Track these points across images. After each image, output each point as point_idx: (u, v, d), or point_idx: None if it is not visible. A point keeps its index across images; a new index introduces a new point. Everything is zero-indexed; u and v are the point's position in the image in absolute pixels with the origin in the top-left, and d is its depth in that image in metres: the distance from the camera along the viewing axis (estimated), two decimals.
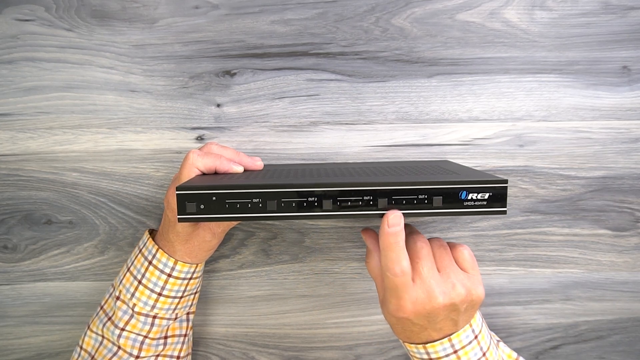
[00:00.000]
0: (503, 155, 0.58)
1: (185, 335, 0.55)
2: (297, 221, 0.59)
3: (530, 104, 0.57)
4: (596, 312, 0.60)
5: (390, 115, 0.57)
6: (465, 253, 0.47)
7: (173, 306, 0.51)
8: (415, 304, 0.43)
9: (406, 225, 0.46)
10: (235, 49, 0.56)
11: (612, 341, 0.61)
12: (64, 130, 0.57)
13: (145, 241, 0.52)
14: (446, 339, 0.45)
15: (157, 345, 0.52)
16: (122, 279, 0.52)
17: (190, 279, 0.51)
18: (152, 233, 0.53)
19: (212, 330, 0.61)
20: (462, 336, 0.46)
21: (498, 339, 0.53)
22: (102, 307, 0.53)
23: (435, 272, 0.44)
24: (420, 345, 0.46)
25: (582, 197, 0.58)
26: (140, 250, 0.52)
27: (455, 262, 0.46)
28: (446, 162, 0.55)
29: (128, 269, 0.52)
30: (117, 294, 0.52)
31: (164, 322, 0.52)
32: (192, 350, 0.61)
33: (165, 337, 0.52)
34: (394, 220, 0.42)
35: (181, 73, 0.56)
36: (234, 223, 0.54)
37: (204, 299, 0.60)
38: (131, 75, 0.56)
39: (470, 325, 0.46)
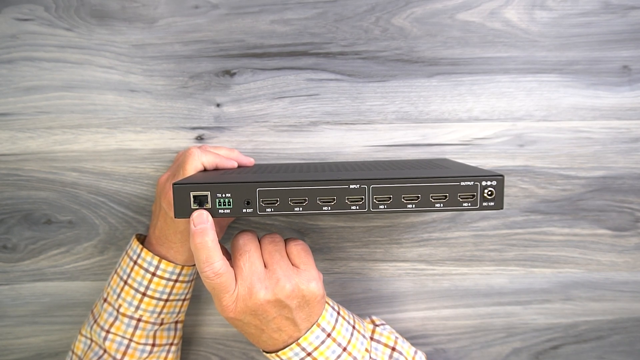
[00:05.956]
0: (503, 155, 0.58)
1: (172, 344, 0.54)
2: (297, 221, 0.59)
3: (530, 104, 0.57)
4: (596, 312, 0.60)
5: (390, 115, 0.57)
6: (298, 248, 0.45)
7: (158, 309, 0.51)
8: (237, 301, 0.42)
9: (245, 231, 0.46)
10: (235, 49, 0.56)
11: (612, 341, 0.61)
12: (64, 130, 0.57)
13: (131, 244, 0.52)
14: (294, 344, 0.44)
15: (143, 351, 0.52)
16: (110, 281, 0.53)
17: (176, 281, 0.51)
18: (140, 238, 0.54)
19: (212, 330, 0.61)
20: (310, 338, 0.44)
21: (397, 335, 0.51)
22: (92, 311, 0.54)
23: (259, 268, 0.43)
24: (274, 354, 0.45)
25: (582, 197, 0.58)
26: (127, 252, 0.52)
27: (288, 257, 0.45)
28: (445, 160, 0.55)
29: (115, 272, 0.53)
30: (105, 296, 0.52)
31: (149, 326, 0.51)
32: (193, 350, 0.61)
33: (153, 345, 0.52)
34: (199, 218, 0.41)
35: (181, 73, 0.56)
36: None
37: (204, 298, 0.60)
38: (131, 75, 0.56)
39: (319, 325, 0.45)
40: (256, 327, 0.44)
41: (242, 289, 0.42)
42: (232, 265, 0.43)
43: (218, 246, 0.42)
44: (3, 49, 0.56)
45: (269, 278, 0.43)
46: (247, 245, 0.44)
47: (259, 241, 0.46)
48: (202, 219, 0.41)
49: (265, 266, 0.44)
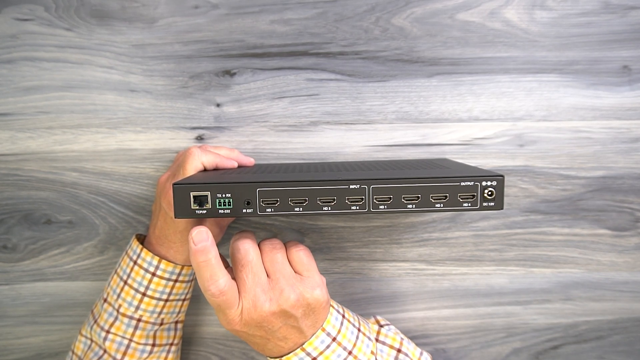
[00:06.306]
0: (503, 155, 0.58)
1: (172, 344, 0.54)
2: (297, 221, 0.59)
3: (530, 104, 0.57)
4: (596, 312, 0.60)
5: (390, 115, 0.57)
6: (300, 255, 0.44)
7: (158, 309, 0.51)
8: (243, 315, 0.41)
9: (243, 237, 0.44)
10: (235, 49, 0.56)
11: (612, 341, 0.61)
12: (64, 130, 0.57)
13: (131, 243, 0.52)
14: (299, 349, 0.43)
15: (143, 351, 0.52)
16: (110, 281, 0.53)
17: (176, 281, 0.51)
18: (140, 238, 0.54)
19: (212, 330, 0.61)
20: (315, 343, 0.43)
21: (402, 336, 0.51)
22: (92, 311, 0.54)
23: (262, 279, 0.42)
24: (278, 359, 0.44)
25: (582, 197, 0.58)
26: (127, 252, 0.52)
27: (290, 264, 0.44)
28: (445, 160, 0.55)
29: (115, 272, 0.53)
30: (105, 296, 0.52)
31: (149, 326, 0.51)
32: (193, 350, 0.61)
33: (153, 345, 0.52)
34: (199, 236, 0.39)
35: (181, 73, 0.56)
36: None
37: (204, 298, 0.60)
38: (131, 75, 0.56)
39: (324, 330, 0.44)
40: (261, 337, 0.43)
41: (247, 302, 0.41)
42: (233, 277, 0.42)
43: (221, 262, 0.40)
44: (3, 49, 0.56)
45: (273, 289, 0.42)
46: (249, 255, 0.42)
47: (259, 247, 0.44)
48: (202, 237, 0.39)
49: (267, 275, 0.43)
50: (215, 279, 0.39)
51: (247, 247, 0.43)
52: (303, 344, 0.44)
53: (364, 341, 0.47)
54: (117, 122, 0.57)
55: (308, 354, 0.44)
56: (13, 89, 0.56)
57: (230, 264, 0.44)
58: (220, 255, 0.43)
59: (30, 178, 0.58)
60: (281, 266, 0.43)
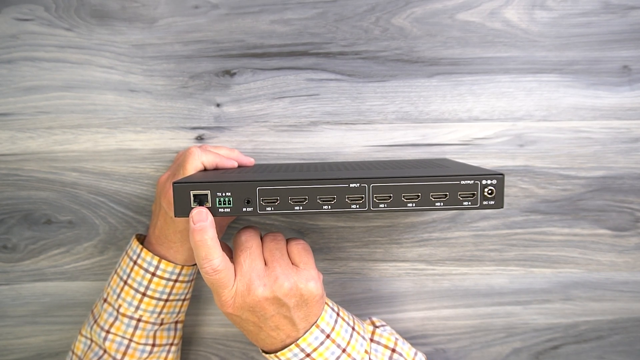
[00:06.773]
0: (503, 155, 0.58)
1: (172, 344, 0.54)
2: (297, 220, 0.59)
3: (530, 104, 0.57)
4: (596, 312, 0.60)
5: (390, 115, 0.57)
6: (299, 248, 0.46)
7: (158, 309, 0.51)
8: (235, 297, 0.42)
9: (248, 228, 0.46)
10: (235, 49, 0.56)
11: (612, 341, 0.61)
12: (64, 130, 0.57)
13: (131, 243, 0.53)
14: (293, 345, 0.44)
15: (143, 351, 0.52)
16: (110, 281, 0.53)
17: (176, 281, 0.51)
18: (140, 238, 0.54)
19: (212, 330, 0.61)
20: (309, 339, 0.45)
21: (397, 336, 0.52)
22: (92, 312, 0.54)
23: (259, 265, 0.43)
24: (273, 355, 0.45)
25: (582, 197, 0.58)
26: (126, 252, 0.52)
27: (289, 256, 0.45)
28: (445, 159, 0.55)
29: (115, 272, 0.53)
30: (105, 296, 0.52)
31: (149, 326, 0.52)
32: (193, 350, 0.61)
33: (153, 345, 0.52)
34: (198, 216, 0.41)
35: (181, 73, 0.56)
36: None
37: (204, 298, 0.60)
38: (131, 75, 0.56)
39: (318, 326, 0.45)
40: (254, 324, 0.44)
41: (241, 285, 0.42)
42: (232, 261, 0.44)
43: (217, 243, 0.42)
44: (3, 49, 0.56)
45: (268, 275, 0.43)
46: (249, 242, 0.44)
47: (261, 239, 0.46)
48: (201, 217, 0.41)
49: (265, 264, 0.44)
50: (209, 258, 0.41)
51: (249, 235, 0.45)
52: (296, 338, 0.44)
53: (358, 340, 0.47)
54: (117, 122, 0.57)
55: (302, 350, 0.44)
56: (13, 89, 0.56)
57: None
58: (224, 243, 0.44)
59: (30, 178, 0.58)
60: (279, 256, 0.44)
